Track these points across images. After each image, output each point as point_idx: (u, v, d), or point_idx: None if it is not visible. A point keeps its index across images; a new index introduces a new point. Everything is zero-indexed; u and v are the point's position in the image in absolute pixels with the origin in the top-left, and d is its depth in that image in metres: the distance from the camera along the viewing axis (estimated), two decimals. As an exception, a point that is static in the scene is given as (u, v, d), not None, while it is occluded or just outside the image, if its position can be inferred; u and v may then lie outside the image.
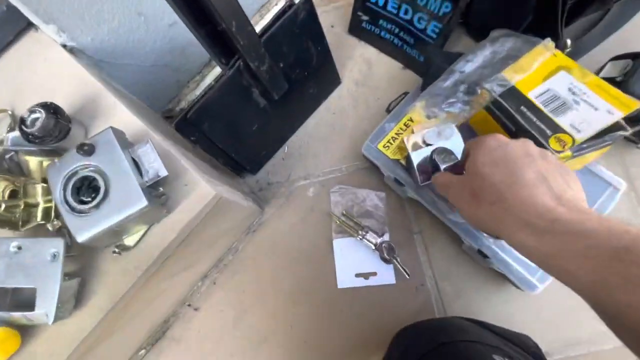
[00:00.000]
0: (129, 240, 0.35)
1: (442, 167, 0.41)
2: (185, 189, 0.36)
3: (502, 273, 0.46)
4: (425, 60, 0.56)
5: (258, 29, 0.42)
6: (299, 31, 0.47)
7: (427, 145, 0.45)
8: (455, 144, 0.44)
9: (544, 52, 0.42)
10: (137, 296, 0.37)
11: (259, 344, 0.52)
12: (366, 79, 0.61)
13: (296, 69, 0.50)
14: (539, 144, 0.40)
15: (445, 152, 0.42)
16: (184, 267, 0.45)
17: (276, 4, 0.67)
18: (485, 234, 0.42)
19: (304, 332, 0.52)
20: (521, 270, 0.45)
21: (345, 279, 0.53)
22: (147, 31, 0.51)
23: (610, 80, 0.49)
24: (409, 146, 0.46)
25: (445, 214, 0.47)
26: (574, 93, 0.39)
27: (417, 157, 0.45)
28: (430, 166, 0.45)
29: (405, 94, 0.55)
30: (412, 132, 0.48)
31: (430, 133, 0.45)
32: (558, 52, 0.42)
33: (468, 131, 0.50)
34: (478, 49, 0.48)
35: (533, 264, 0.47)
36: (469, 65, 0.47)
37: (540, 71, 0.41)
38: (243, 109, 0.48)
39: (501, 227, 0.30)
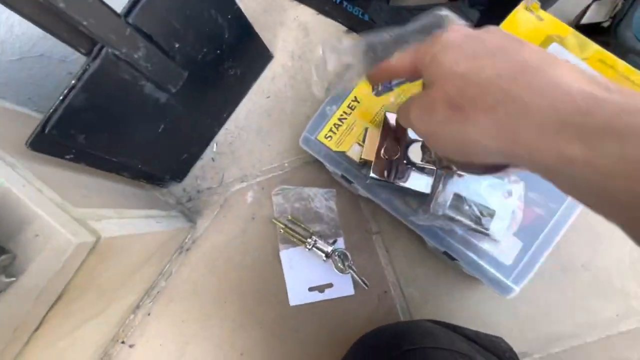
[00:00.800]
0: (-31, 319, 0.26)
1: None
2: (37, 240, 0.26)
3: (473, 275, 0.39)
4: (371, 19, 0.45)
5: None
6: (191, -4, 0.35)
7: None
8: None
9: (526, 16, 0.30)
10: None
11: (206, 377, 0.45)
12: (304, 50, 0.50)
13: (201, 48, 0.39)
14: None
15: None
16: (91, 314, 0.37)
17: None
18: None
19: (256, 359, 0.45)
20: (494, 272, 0.38)
21: (298, 294, 0.45)
22: (-10, 13, 0.38)
23: (596, 27, 0.40)
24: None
25: (405, 216, 0.39)
26: None
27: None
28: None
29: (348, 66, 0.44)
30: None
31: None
32: (545, 13, 0.30)
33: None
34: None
35: (507, 262, 0.41)
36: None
37: None
38: (134, 108, 0.37)
39: (516, 140, 0.19)
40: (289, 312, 0.45)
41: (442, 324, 0.39)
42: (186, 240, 0.48)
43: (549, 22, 0.29)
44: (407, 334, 0.35)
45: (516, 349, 0.42)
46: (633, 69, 0.27)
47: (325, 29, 0.49)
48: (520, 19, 0.30)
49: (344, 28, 0.49)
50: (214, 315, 0.46)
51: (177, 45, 0.36)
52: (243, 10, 0.43)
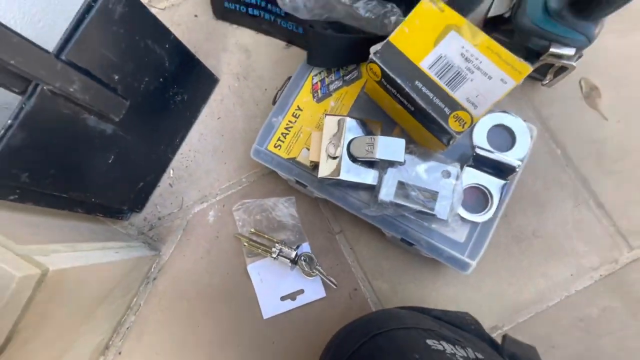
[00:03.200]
0: None
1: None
2: (-22, 280, 0.26)
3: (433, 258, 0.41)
4: (305, 32, 0.48)
5: (57, 37, 0.32)
6: (124, 31, 0.36)
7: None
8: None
9: (430, 7, 0.34)
10: None
11: (187, 409, 0.44)
12: (248, 70, 0.52)
13: (143, 77, 0.40)
14: (438, 126, 0.34)
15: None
16: (50, 358, 0.35)
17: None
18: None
19: (236, 379, 0.44)
20: (450, 251, 0.40)
21: (270, 306, 0.45)
22: None
23: (500, 18, 0.45)
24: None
25: (358, 210, 0.41)
26: (467, 60, 0.33)
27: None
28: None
29: (290, 78, 0.47)
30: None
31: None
32: (445, 5, 0.35)
33: (366, 103, 0.43)
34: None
35: (460, 239, 0.43)
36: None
37: (430, 33, 0.33)
38: (79, 142, 0.37)
39: None
40: (264, 325, 0.45)
41: (411, 308, 0.40)
42: (152, 270, 0.47)
43: (448, 13, 0.33)
44: (374, 321, 0.36)
45: (487, 324, 0.44)
46: (514, 56, 0.31)
47: (265, 48, 0.52)
48: (424, 9, 0.33)
49: (283, 43, 0.52)
50: (188, 342, 0.45)
51: (116, 77, 0.38)
52: (185, 40, 0.45)
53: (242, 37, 0.53)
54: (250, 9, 0.49)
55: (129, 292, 0.46)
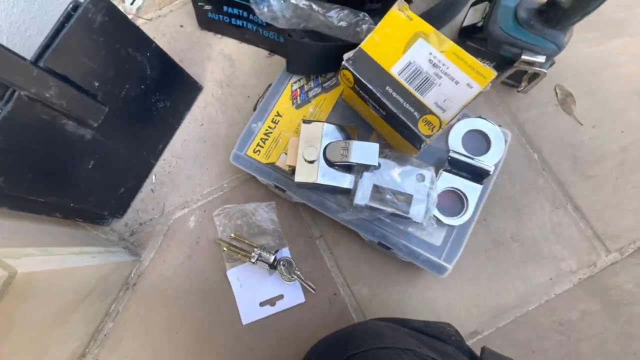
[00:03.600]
0: None
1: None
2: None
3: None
4: (285, 41, 0.49)
5: (37, 42, 0.33)
6: (104, 39, 0.37)
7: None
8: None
9: (399, 15, 0.35)
10: None
11: (163, 418, 0.43)
12: (231, 78, 0.53)
13: (123, 84, 0.41)
14: (409, 130, 0.34)
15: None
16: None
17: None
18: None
19: (214, 387, 0.44)
20: (426, 254, 0.40)
21: (249, 312, 0.45)
22: None
23: (474, 27, 0.46)
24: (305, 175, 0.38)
25: (336, 214, 0.41)
26: (435, 65, 0.34)
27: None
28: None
29: (270, 85, 0.48)
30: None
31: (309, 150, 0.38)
32: (413, 14, 0.36)
33: (344, 109, 0.44)
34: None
35: (437, 243, 0.43)
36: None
37: (399, 40, 0.34)
38: (58, 147, 0.38)
39: None
40: (243, 331, 0.45)
41: (391, 320, 0.39)
42: (131, 276, 0.47)
43: (417, 21, 0.34)
44: (352, 338, 0.36)
45: (466, 329, 0.44)
46: (479, 62, 0.32)
47: (248, 57, 0.54)
48: (393, 17, 0.34)
49: (266, 52, 0.53)
50: (166, 348, 0.45)
51: (96, 84, 0.38)
52: (170, 49, 0.46)
53: (226, 46, 0.54)
54: (233, 20, 0.51)
55: (107, 298, 0.45)
